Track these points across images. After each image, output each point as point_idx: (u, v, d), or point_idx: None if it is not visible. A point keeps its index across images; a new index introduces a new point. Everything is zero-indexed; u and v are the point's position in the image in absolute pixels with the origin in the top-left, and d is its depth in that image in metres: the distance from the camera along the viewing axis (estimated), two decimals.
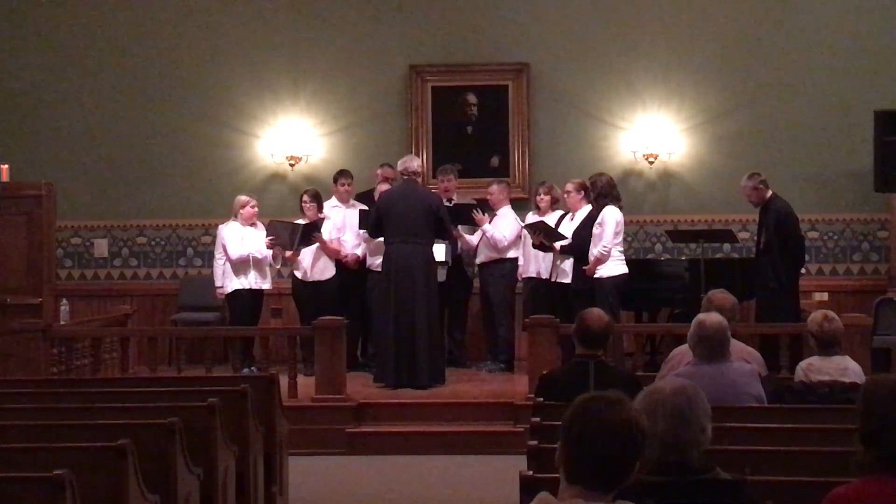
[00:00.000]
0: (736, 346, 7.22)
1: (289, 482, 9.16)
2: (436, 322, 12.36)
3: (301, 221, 12.90)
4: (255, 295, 12.93)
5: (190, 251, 14.96)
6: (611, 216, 12.07)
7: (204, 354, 11.98)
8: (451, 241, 13.06)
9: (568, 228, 12.51)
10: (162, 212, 14.90)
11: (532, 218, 13.05)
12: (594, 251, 12.00)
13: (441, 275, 12.74)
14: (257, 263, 12.84)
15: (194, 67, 14.91)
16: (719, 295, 7.79)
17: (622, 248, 12.32)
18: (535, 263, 13.04)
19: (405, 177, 12.38)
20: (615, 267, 12.07)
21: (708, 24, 14.61)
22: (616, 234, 12.07)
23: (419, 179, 12.70)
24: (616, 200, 12.29)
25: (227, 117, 14.83)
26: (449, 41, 14.74)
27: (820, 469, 5.30)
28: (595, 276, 12.00)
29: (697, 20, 14.61)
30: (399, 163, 12.59)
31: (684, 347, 7.16)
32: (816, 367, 7.22)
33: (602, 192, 12.26)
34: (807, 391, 7.08)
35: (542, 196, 13.12)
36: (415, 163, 12.57)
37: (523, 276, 13.25)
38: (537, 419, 6.34)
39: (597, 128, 14.60)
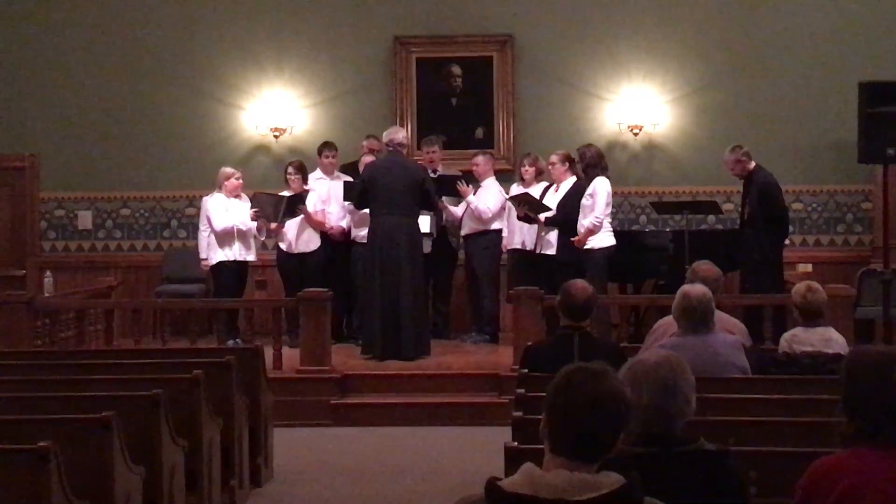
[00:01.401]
0: (720, 317, 7.24)
1: (273, 453, 9.19)
2: (421, 294, 12.36)
3: (286, 193, 12.88)
4: (239, 267, 12.91)
5: (174, 223, 14.93)
6: (602, 187, 12.09)
7: (188, 326, 11.96)
8: (437, 212, 13.05)
9: (552, 200, 12.52)
10: (146, 183, 14.86)
11: (516, 189, 13.05)
12: (585, 222, 12.01)
13: (426, 246, 12.74)
14: (242, 235, 12.81)
15: (178, 38, 14.84)
16: (704, 266, 7.79)
17: (610, 220, 12.34)
18: (519, 235, 13.04)
19: (390, 148, 12.35)
20: (605, 238, 12.10)
21: None
22: (607, 204, 12.10)
23: (404, 151, 12.67)
24: (605, 171, 12.31)
25: (211, 89, 14.77)
26: (434, 13, 14.69)
27: (803, 440, 5.33)
28: (585, 247, 12.01)
29: None
30: (384, 134, 12.55)
31: (669, 319, 7.17)
32: (800, 339, 7.25)
33: (591, 162, 12.28)
34: (790, 362, 7.11)
35: (527, 167, 13.12)
36: (400, 134, 12.53)
37: (508, 247, 13.25)
38: (522, 390, 6.37)
39: (581, 99, 14.58)
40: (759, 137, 13.74)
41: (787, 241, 13.05)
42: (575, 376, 3.59)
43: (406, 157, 12.71)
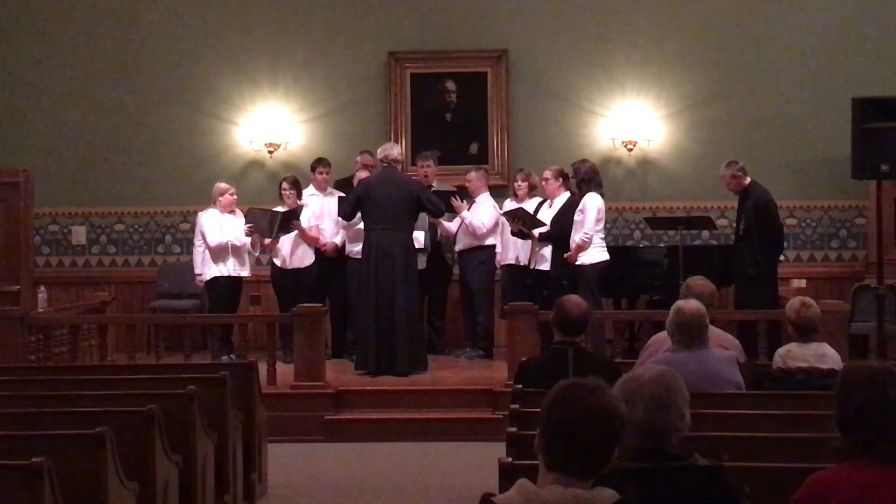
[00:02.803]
0: (715, 332, 7.24)
1: (268, 469, 9.17)
2: (416, 309, 12.35)
3: (280, 209, 12.88)
4: (234, 282, 12.91)
5: (168, 238, 14.92)
6: (592, 203, 12.07)
7: (182, 342, 11.95)
8: (430, 228, 13.05)
9: (546, 215, 12.52)
10: (140, 199, 14.86)
11: (510, 205, 13.06)
12: (575, 238, 12.00)
13: (421, 262, 12.75)
14: (236, 251, 12.81)
15: (172, 54, 14.86)
16: (698, 282, 7.80)
17: (603, 235, 12.33)
18: (513, 250, 13.03)
19: (385, 164, 12.37)
20: (597, 254, 12.07)
21: (687, 12, 14.62)
22: (597, 220, 12.07)
23: (399, 167, 12.69)
24: (598, 187, 12.29)
25: (205, 104, 14.78)
26: (428, 28, 14.73)
27: (798, 455, 5.32)
28: (577, 263, 12.01)
29: (676, 7, 14.63)
30: (379, 150, 12.58)
31: (663, 334, 7.18)
32: (794, 354, 7.25)
33: (584, 178, 12.25)
34: (785, 378, 7.11)
35: (520, 183, 13.12)
36: (395, 150, 12.56)
37: (501, 262, 13.25)
38: (516, 406, 6.36)
39: (576, 115, 14.60)
40: (752, 153, 13.76)
41: (781, 257, 13.06)
42: (569, 392, 3.60)
43: (400, 173, 12.72)
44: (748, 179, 12.53)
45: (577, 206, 12.25)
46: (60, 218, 14.97)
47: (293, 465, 9.94)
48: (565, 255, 12.06)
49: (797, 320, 7.32)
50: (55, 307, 13.14)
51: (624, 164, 14.60)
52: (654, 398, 4.16)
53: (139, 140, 14.84)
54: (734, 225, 12.98)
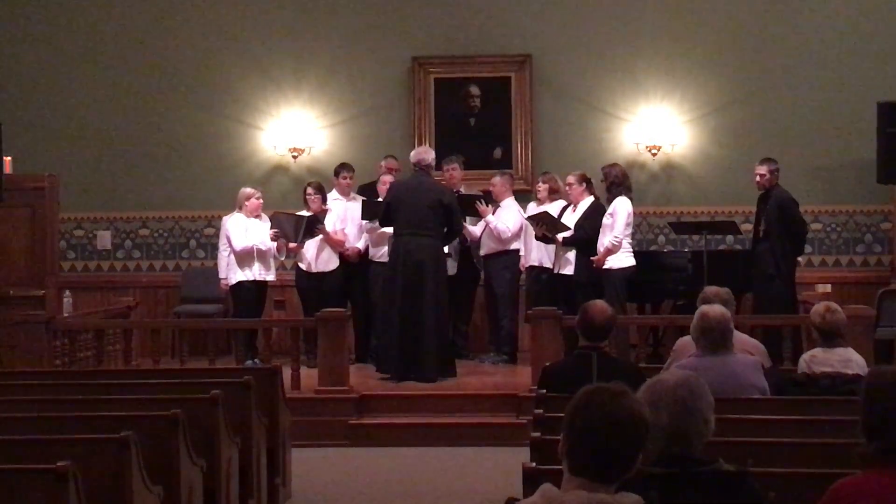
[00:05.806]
0: (740, 337, 7.23)
1: (292, 474, 9.18)
2: (444, 315, 12.22)
3: (304, 213, 12.90)
4: (258, 287, 12.92)
5: (193, 243, 14.95)
6: (622, 207, 12.06)
7: (207, 346, 11.98)
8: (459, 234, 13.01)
9: (570, 220, 12.50)
10: (165, 204, 14.89)
11: (532, 209, 13.05)
12: (605, 241, 11.97)
13: (451, 267, 12.73)
14: (261, 255, 12.83)
15: (197, 59, 14.90)
16: (712, 289, 7.87)
17: (631, 241, 12.30)
18: (536, 252, 13.00)
19: (418, 169, 12.28)
20: (625, 259, 12.06)
21: (711, 16, 14.59)
22: (627, 225, 12.06)
23: (432, 172, 12.60)
24: (628, 191, 12.28)
25: (230, 109, 14.82)
26: (452, 33, 14.73)
27: (823, 461, 5.30)
28: (604, 267, 11.97)
29: (701, 12, 14.60)
30: (412, 154, 12.45)
31: (688, 338, 7.17)
32: (819, 359, 7.23)
33: (615, 181, 12.24)
34: (810, 383, 7.09)
35: (541, 185, 13.13)
36: (430, 155, 12.40)
37: (525, 265, 13.21)
38: (540, 411, 6.35)
39: (600, 119, 14.58)
40: (777, 158, 13.63)
41: (804, 260, 13.00)
42: (594, 397, 3.60)
43: (432, 179, 12.57)
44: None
45: (600, 211, 12.25)
46: (85, 223, 15.02)
47: (317, 469, 9.95)
48: (592, 259, 12.04)
49: (822, 325, 7.31)
50: (80, 312, 13.17)
51: (648, 168, 14.57)
52: (679, 403, 4.15)
53: (164, 145, 14.88)
54: (753, 226, 12.91)
